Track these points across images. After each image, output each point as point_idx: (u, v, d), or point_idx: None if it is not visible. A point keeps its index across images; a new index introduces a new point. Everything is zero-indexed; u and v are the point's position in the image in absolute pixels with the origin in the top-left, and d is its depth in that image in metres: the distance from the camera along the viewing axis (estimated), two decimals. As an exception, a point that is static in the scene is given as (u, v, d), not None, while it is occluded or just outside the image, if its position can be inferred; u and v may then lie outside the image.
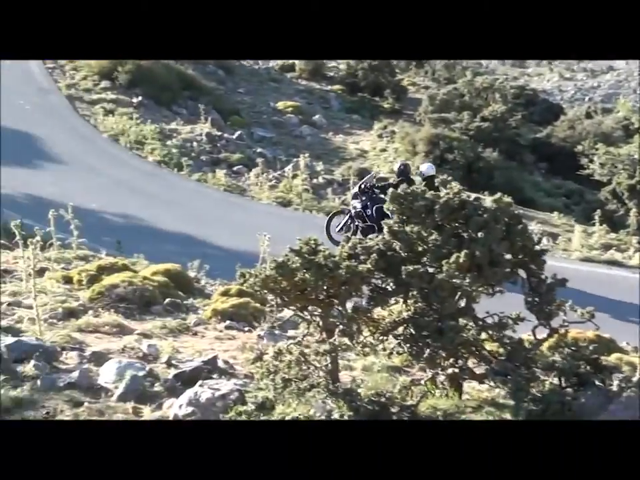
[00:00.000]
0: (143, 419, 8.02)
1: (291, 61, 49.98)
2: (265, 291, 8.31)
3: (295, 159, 31.10)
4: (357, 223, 21.84)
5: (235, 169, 30.66)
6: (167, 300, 13.02)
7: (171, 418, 8.01)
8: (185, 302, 13.47)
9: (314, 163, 32.48)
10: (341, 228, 22.09)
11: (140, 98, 36.01)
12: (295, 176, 28.94)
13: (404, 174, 21.43)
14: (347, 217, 22.17)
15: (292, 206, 27.01)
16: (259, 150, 33.37)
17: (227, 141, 33.43)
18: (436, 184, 17.60)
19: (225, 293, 13.52)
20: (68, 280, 13.77)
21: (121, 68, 36.78)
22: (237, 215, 25.05)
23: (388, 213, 20.00)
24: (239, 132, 35.25)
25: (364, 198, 21.86)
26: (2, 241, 18.02)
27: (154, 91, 36.83)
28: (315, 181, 30.55)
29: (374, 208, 21.47)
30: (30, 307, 11.27)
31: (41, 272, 13.39)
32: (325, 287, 8.19)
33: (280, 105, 42.69)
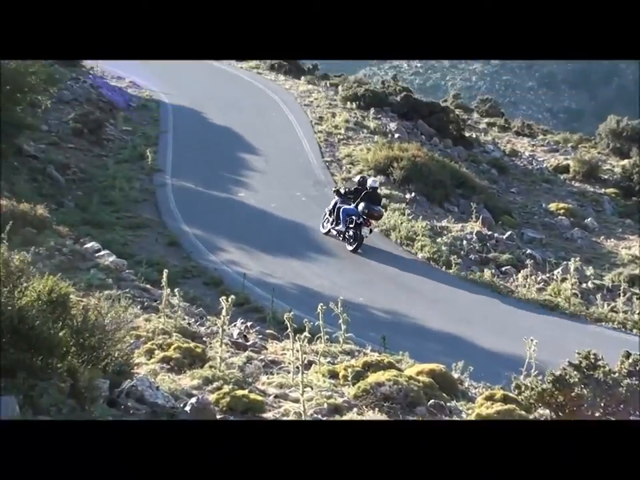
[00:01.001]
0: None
1: (565, 162, 49.40)
2: (540, 404, 8.09)
3: (565, 262, 30.46)
4: (330, 217, 29.51)
5: (503, 269, 30.37)
6: (431, 401, 12.88)
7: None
8: (448, 404, 13.28)
9: (584, 267, 31.72)
10: (325, 219, 29.92)
11: (413, 194, 36.36)
12: (563, 279, 28.33)
13: (362, 184, 29.89)
14: (328, 212, 29.80)
15: (559, 310, 26.44)
16: (528, 251, 32.89)
17: (496, 240, 33.17)
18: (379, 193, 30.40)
19: (490, 398, 13.21)
20: (334, 374, 13.89)
21: (396, 164, 37.32)
22: (504, 316, 24.78)
23: (340, 211, 28.97)
24: (509, 232, 34.92)
25: (337, 198, 29.72)
26: (271, 331, 18.46)
27: (427, 188, 37.11)
28: (584, 285, 29.84)
29: (336, 206, 29.24)
30: (296, 401, 11.39)
31: (307, 365, 13.54)
32: (602, 404, 7.87)
33: (552, 206, 42.13)
